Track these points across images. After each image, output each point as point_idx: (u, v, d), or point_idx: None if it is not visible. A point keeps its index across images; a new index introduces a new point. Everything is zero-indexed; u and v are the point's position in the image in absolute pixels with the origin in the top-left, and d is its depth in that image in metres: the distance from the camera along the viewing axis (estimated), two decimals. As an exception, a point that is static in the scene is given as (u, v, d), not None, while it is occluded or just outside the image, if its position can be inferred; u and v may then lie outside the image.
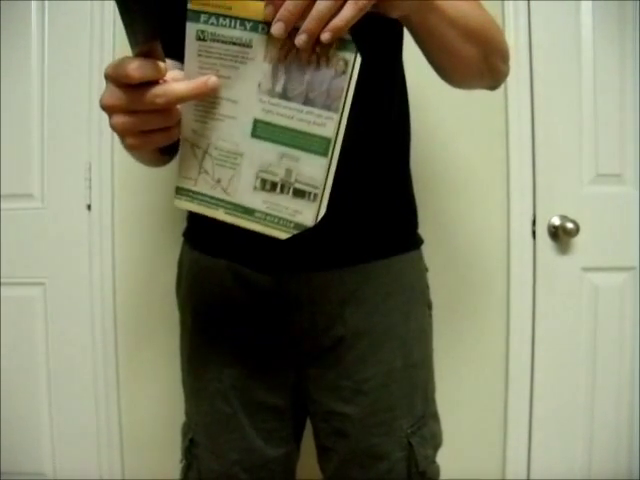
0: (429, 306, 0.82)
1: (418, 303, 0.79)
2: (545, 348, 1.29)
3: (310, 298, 0.72)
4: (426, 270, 0.84)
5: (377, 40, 0.70)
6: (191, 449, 0.80)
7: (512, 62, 1.27)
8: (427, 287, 0.83)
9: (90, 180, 1.29)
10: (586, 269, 1.29)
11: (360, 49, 0.49)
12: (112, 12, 1.28)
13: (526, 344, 1.29)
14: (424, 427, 0.75)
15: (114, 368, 1.32)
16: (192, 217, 0.83)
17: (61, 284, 1.31)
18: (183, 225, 1.28)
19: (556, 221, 1.27)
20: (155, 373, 1.33)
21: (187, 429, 0.82)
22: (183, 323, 0.84)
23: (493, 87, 0.77)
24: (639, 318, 1.29)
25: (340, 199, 0.71)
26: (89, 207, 1.30)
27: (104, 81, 0.48)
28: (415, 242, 0.81)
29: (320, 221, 0.67)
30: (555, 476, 1.30)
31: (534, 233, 1.28)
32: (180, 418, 1.37)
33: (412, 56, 0.83)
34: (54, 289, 1.31)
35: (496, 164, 1.28)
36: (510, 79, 1.25)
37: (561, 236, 1.26)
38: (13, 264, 1.31)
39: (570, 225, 1.23)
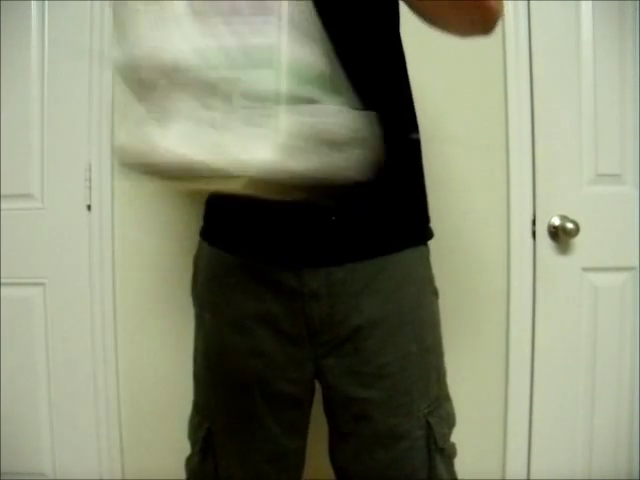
0: (436, 294, 0.85)
1: (427, 291, 0.82)
2: (545, 348, 1.29)
3: (328, 292, 0.74)
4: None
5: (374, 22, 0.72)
6: (208, 439, 0.81)
7: (512, 63, 1.27)
8: (433, 276, 0.86)
9: (90, 180, 1.29)
10: (586, 269, 1.29)
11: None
12: (112, 12, 1.28)
13: (526, 344, 1.29)
14: (440, 407, 0.79)
15: (114, 368, 1.32)
16: (210, 216, 0.85)
17: (61, 284, 1.31)
18: (183, 227, 1.28)
19: (556, 221, 1.27)
20: (155, 373, 1.33)
21: (200, 420, 0.83)
22: (200, 318, 0.85)
23: (487, 30, 0.74)
24: (639, 318, 1.29)
25: (359, 195, 0.72)
26: (89, 207, 1.30)
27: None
28: (426, 236, 0.85)
29: (339, 217, 0.70)
30: (555, 476, 1.30)
31: (534, 233, 1.28)
32: (180, 418, 1.37)
33: (411, 58, 0.83)
34: (54, 289, 1.31)
35: (496, 164, 1.28)
36: (510, 79, 1.26)
37: (561, 236, 1.26)
38: (13, 264, 1.31)
39: (570, 225, 1.23)
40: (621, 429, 1.31)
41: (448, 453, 0.80)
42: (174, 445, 1.32)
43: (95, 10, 1.27)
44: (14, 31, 1.28)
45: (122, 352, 1.33)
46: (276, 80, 0.42)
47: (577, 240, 1.27)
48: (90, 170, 1.29)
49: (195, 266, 0.87)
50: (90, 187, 1.29)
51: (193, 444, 0.84)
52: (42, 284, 1.31)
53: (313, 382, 0.80)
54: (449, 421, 0.81)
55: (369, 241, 0.76)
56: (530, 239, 1.28)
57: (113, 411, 1.32)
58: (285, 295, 0.75)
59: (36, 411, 1.32)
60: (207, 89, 0.42)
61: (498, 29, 0.76)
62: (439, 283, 0.89)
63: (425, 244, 0.84)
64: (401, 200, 0.78)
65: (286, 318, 0.75)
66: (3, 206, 1.30)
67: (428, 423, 0.76)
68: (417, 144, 0.84)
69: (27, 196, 1.30)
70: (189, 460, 0.85)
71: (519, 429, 1.30)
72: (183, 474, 1.32)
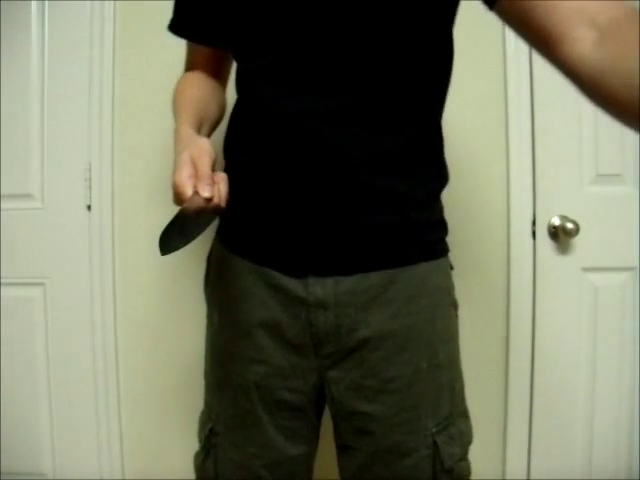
0: (455, 306, 0.82)
1: (443, 304, 0.79)
2: (545, 348, 1.29)
3: (336, 301, 0.73)
4: (451, 268, 0.83)
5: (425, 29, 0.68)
6: (210, 438, 0.81)
7: (512, 63, 1.27)
8: (452, 287, 0.82)
9: (90, 180, 1.29)
10: (586, 269, 1.28)
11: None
12: (112, 12, 1.28)
13: (526, 344, 1.29)
14: (451, 426, 0.76)
15: (114, 368, 1.32)
16: (225, 216, 0.83)
17: (61, 284, 1.31)
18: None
19: (556, 221, 1.27)
20: (155, 373, 1.33)
21: (206, 418, 0.83)
22: (210, 317, 0.85)
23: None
24: (639, 318, 1.29)
25: (370, 206, 0.71)
26: (89, 207, 1.30)
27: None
28: (443, 250, 0.81)
29: (349, 226, 0.69)
30: (555, 476, 1.30)
31: (534, 233, 1.28)
32: (180, 418, 1.37)
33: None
34: (54, 289, 1.31)
35: (496, 164, 1.28)
36: (510, 80, 1.26)
37: (561, 236, 1.26)
38: (13, 264, 1.31)
39: (570, 225, 1.23)
40: (621, 429, 1.30)
41: (459, 474, 0.76)
42: (174, 445, 1.33)
43: (95, 10, 1.27)
44: (14, 31, 1.28)
45: (122, 352, 1.33)
46: None
47: (577, 240, 1.27)
48: (90, 170, 1.29)
49: (208, 263, 0.87)
50: (90, 187, 1.29)
51: (199, 441, 0.84)
52: (42, 284, 1.31)
53: (318, 392, 0.78)
54: (462, 440, 0.78)
55: (380, 251, 0.73)
56: (530, 239, 1.28)
57: (113, 411, 1.32)
58: (290, 302, 0.74)
59: (36, 411, 1.32)
60: None
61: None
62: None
63: (444, 255, 0.81)
64: (417, 212, 0.75)
65: (290, 326, 0.74)
66: (3, 206, 1.30)
67: (435, 443, 0.74)
68: (440, 162, 0.79)
69: (27, 196, 1.31)
70: (196, 456, 0.85)
71: (519, 429, 1.30)
72: (183, 474, 1.33)
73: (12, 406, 1.31)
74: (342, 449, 0.80)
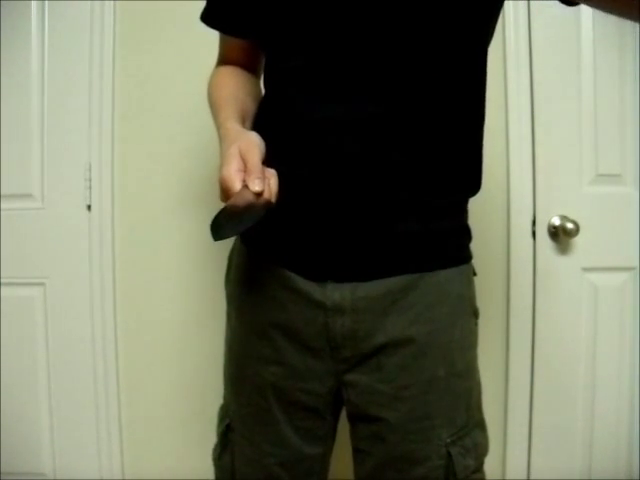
0: (475, 314, 0.80)
1: (464, 312, 0.77)
2: (545, 348, 1.29)
3: (353, 307, 0.72)
4: (474, 274, 0.82)
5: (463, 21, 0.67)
6: (227, 434, 0.81)
7: (512, 63, 1.27)
8: (474, 295, 0.81)
9: (90, 180, 1.29)
10: (586, 269, 1.29)
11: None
12: (112, 12, 1.28)
13: (526, 344, 1.29)
14: (466, 437, 0.74)
15: (114, 368, 1.32)
16: None
17: (61, 284, 1.31)
18: (183, 227, 1.28)
19: (556, 221, 1.27)
20: (155, 373, 1.33)
21: (224, 414, 0.84)
22: (229, 315, 0.85)
23: None
24: (639, 318, 1.29)
25: (392, 215, 0.70)
26: (89, 207, 1.30)
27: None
28: (465, 257, 0.79)
29: (369, 234, 0.69)
30: (555, 476, 1.30)
31: (534, 233, 1.28)
32: (181, 418, 1.37)
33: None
34: (54, 289, 1.31)
35: (496, 164, 1.28)
36: (510, 79, 1.26)
37: (561, 236, 1.26)
38: (13, 264, 1.31)
39: (570, 225, 1.23)
40: (621, 429, 1.31)
41: None
42: (174, 445, 1.33)
43: (95, 10, 1.27)
44: (14, 31, 1.28)
45: (122, 352, 1.33)
46: None
47: (577, 240, 1.27)
48: (90, 170, 1.29)
49: (230, 261, 0.86)
50: (90, 187, 1.29)
51: (217, 435, 0.85)
52: (42, 284, 1.31)
53: (335, 395, 0.77)
54: (477, 451, 0.75)
55: (399, 258, 0.72)
56: (530, 239, 1.28)
57: (113, 411, 1.32)
58: (308, 306, 0.73)
59: (36, 411, 1.32)
60: None
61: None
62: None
63: (467, 262, 0.79)
64: (443, 220, 0.74)
65: (307, 330, 0.74)
66: (3, 206, 1.30)
67: (449, 453, 0.72)
68: (476, 174, 0.78)
69: (27, 196, 1.30)
70: (214, 450, 0.86)
71: (519, 429, 1.30)
72: (183, 474, 1.33)
73: (12, 406, 1.31)
74: (355, 452, 0.79)
